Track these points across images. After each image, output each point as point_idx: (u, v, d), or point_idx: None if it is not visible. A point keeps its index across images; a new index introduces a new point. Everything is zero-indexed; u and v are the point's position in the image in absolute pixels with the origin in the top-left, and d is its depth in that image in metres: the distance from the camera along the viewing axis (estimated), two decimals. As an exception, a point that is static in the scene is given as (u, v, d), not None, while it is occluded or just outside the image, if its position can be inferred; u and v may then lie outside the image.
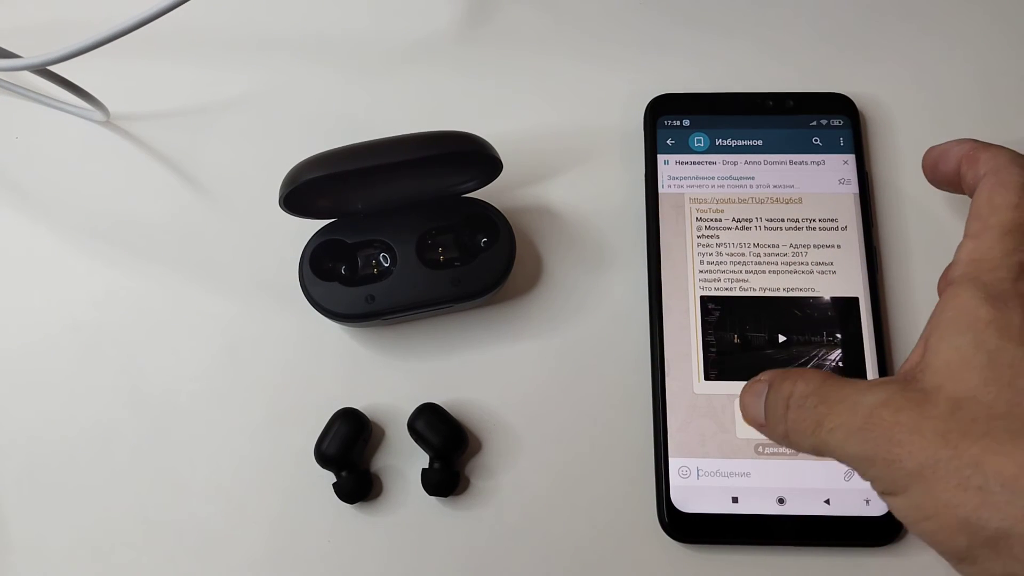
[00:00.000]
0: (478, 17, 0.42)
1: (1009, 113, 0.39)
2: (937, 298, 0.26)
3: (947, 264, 0.29)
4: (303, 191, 0.33)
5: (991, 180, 0.28)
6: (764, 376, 0.29)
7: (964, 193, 0.31)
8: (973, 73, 0.40)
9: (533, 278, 0.37)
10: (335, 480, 0.34)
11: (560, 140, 0.39)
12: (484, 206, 0.36)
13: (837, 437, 0.24)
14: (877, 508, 0.33)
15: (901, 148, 0.39)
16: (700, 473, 0.33)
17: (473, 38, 0.42)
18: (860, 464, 0.24)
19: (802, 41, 0.41)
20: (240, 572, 0.34)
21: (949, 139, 0.30)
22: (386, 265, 0.35)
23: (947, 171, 0.31)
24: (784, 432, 0.27)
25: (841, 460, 0.25)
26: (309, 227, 0.36)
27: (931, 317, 0.26)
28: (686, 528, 0.33)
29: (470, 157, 0.34)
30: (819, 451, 0.25)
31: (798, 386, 0.26)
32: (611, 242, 0.38)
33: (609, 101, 0.40)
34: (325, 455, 0.34)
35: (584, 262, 0.37)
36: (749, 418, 0.28)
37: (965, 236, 0.28)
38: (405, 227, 0.35)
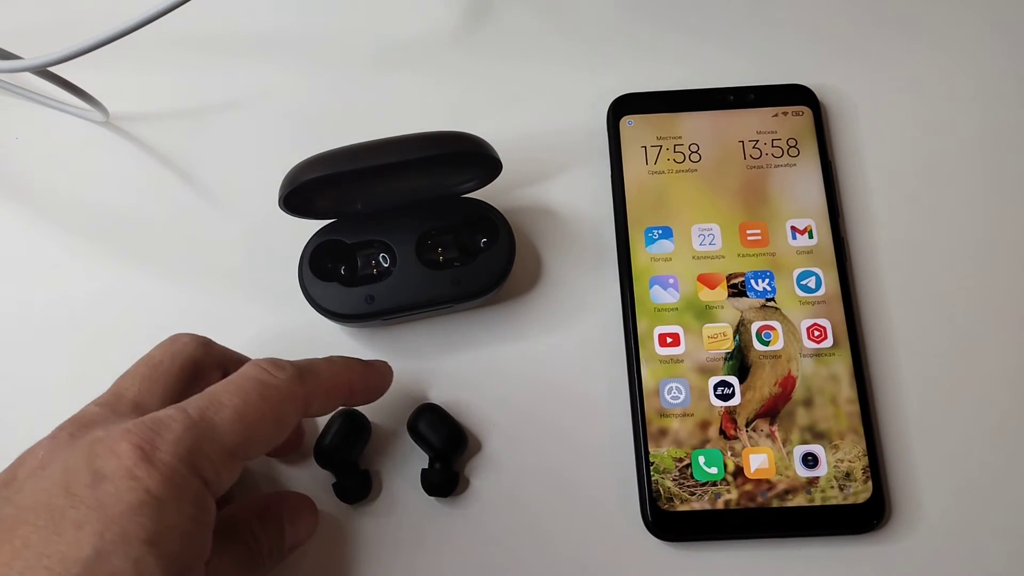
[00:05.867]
0: (478, 19, 0.42)
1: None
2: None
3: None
4: (303, 191, 0.33)
5: None
6: None
7: None
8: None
9: (533, 278, 0.37)
10: (335, 480, 0.34)
11: (560, 140, 0.39)
12: (484, 206, 0.36)
13: None
14: (857, 496, 0.33)
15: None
16: None
17: (472, 39, 0.42)
18: None
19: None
20: (240, 572, 0.34)
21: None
22: (386, 265, 0.35)
23: None
24: None
25: None
26: (309, 227, 0.36)
27: None
28: (669, 526, 0.33)
29: (470, 157, 0.34)
30: None
31: None
32: (611, 242, 0.38)
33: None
34: (325, 455, 0.34)
35: (584, 262, 0.37)
36: None
37: None
38: (405, 227, 0.35)
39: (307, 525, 0.32)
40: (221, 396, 0.27)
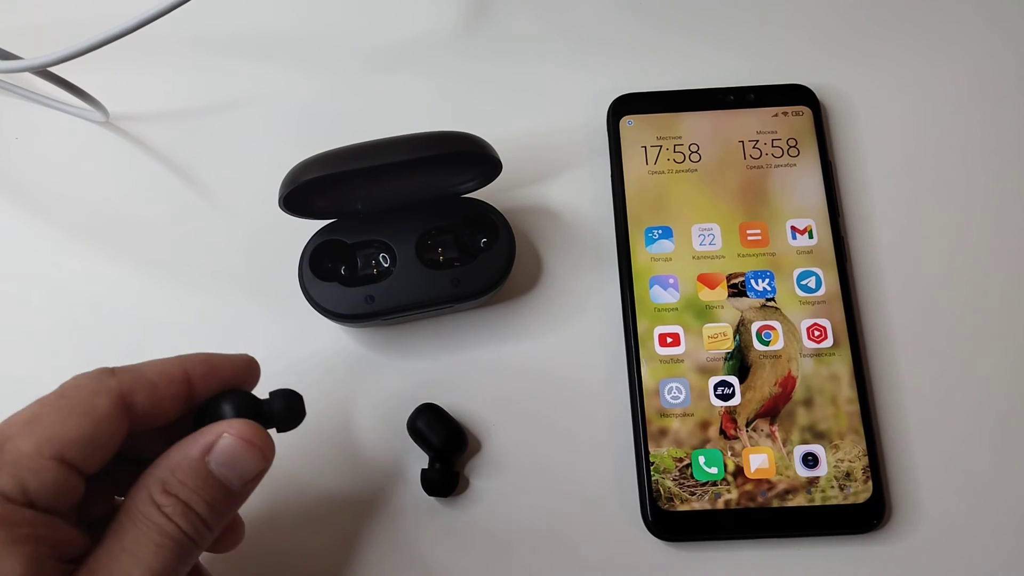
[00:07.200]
0: (478, 19, 0.42)
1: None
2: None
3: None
4: (303, 191, 0.33)
5: None
6: None
7: None
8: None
9: (533, 278, 0.37)
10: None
11: (560, 140, 0.39)
12: (484, 206, 0.36)
13: None
14: (857, 496, 0.33)
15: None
16: None
17: (472, 39, 0.42)
18: None
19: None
20: (239, 571, 0.34)
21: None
22: (386, 265, 0.35)
23: None
24: None
25: None
26: (309, 227, 0.36)
27: None
28: (669, 526, 0.33)
29: (470, 157, 0.34)
30: None
31: None
32: (610, 241, 0.38)
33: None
34: (266, 418, 0.29)
35: (584, 262, 0.37)
36: None
37: None
38: (405, 227, 0.35)
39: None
40: (17, 413, 0.27)
